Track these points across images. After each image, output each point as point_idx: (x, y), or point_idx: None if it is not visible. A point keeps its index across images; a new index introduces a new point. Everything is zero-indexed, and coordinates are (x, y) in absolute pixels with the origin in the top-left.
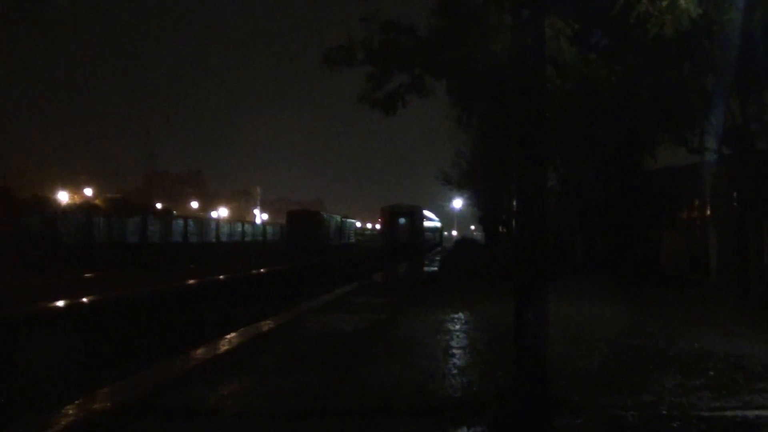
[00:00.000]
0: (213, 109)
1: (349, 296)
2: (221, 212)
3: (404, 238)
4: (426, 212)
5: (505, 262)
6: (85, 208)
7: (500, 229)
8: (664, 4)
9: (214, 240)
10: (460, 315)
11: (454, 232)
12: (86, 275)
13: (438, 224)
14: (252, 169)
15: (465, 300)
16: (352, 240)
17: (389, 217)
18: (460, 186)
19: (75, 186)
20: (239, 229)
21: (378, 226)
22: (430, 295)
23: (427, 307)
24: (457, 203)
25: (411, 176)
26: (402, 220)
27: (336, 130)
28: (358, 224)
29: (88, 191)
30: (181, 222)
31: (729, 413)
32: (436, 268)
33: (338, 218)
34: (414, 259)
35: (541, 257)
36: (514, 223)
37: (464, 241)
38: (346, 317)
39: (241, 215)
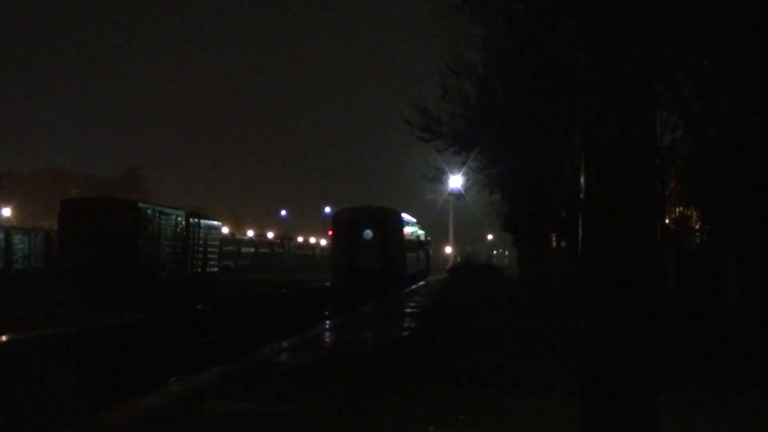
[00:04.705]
0: None
1: (213, 396)
2: None
3: (372, 263)
4: (406, 216)
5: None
6: None
7: (552, 241)
8: None
9: None
10: None
11: (449, 249)
12: None
13: (421, 233)
14: None
15: (471, 405)
16: (214, 266)
17: (347, 227)
18: (459, 142)
19: None
20: None
21: (272, 236)
22: (398, 391)
23: (390, 423)
24: (456, 182)
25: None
26: (368, 234)
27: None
28: (225, 230)
29: None
30: None
31: None
32: (406, 330)
33: (180, 217)
34: (385, 300)
35: (645, 303)
36: (581, 226)
37: (465, 268)
38: None
39: None
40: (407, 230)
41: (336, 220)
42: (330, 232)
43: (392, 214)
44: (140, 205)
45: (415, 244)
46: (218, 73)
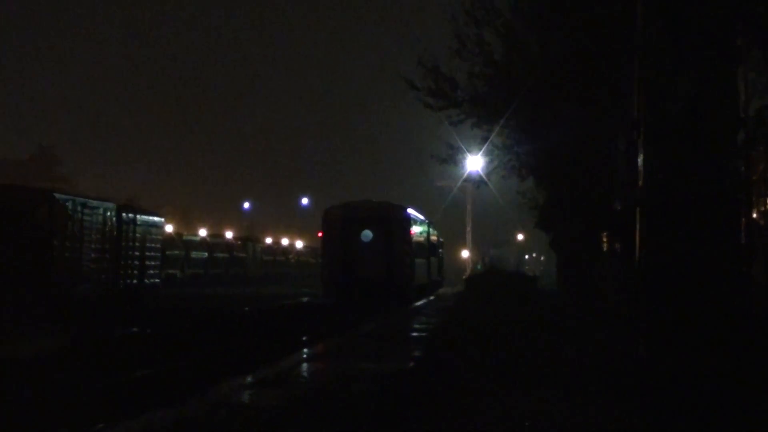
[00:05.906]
0: None
1: None
2: None
3: (372, 271)
4: (414, 212)
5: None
6: None
7: (603, 242)
8: None
9: None
10: None
11: (466, 253)
12: None
13: (434, 233)
14: None
15: None
16: (154, 276)
17: (341, 226)
18: (480, 110)
19: None
20: None
21: (232, 236)
22: None
23: None
24: (476, 163)
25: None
26: (368, 234)
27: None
28: (170, 228)
29: None
30: None
31: None
32: (412, 361)
33: (110, 212)
34: (387, 318)
35: (725, 322)
36: (640, 223)
37: (488, 278)
38: None
39: None
40: (415, 230)
41: (327, 217)
42: (320, 233)
43: (397, 211)
44: (56, 195)
45: (426, 247)
46: (160, 29)
